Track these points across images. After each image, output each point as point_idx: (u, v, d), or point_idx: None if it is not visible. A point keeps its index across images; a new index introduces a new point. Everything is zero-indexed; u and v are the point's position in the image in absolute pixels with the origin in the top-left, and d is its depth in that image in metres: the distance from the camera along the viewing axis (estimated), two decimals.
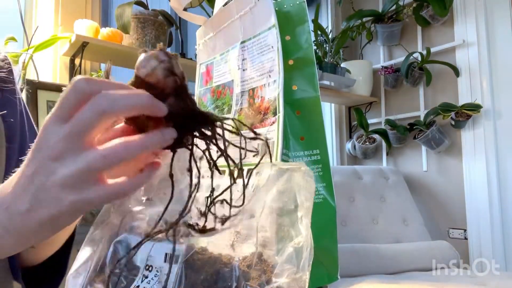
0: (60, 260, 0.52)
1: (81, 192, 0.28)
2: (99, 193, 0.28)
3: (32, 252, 0.52)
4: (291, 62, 0.48)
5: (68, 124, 0.28)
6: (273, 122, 0.47)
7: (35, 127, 0.65)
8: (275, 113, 0.46)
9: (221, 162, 0.54)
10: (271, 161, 0.38)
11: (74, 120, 0.28)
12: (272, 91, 0.46)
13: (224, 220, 0.35)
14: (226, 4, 0.52)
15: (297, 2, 0.47)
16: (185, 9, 0.59)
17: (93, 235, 0.38)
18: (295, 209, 0.37)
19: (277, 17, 0.46)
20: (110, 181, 0.29)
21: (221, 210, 0.36)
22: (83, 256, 0.37)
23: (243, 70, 0.50)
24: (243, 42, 0.51)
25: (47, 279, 0.54)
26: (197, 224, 0.34)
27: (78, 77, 0.29)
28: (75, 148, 0.28)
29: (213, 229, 0.34)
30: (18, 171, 0.31)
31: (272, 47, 0.46)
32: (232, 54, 0.52)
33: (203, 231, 0.34)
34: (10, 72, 0.60)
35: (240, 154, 0.32)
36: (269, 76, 0.47)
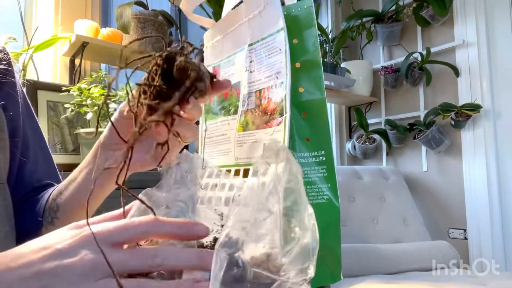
0: None
1: None
2: None
3: (51, 230, 0.52)
4: (298, 64, 0.48)
5: (120, 254, 0.28)
6: (280, 123, 0.47)
7: (37, 119, 0.64)
8: (281, 114, 0.46)
9: (226, 162, 0.54)
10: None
11: (127, 257, 0.28)
12: (279, 93, 0.46)
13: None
14: (235, 7, 0.52)
15: (305, 7, 0.47)
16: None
17: None
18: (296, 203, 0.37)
19: (285, 21, 0.46)
20: None
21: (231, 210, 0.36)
22: None
23: (251, 72, 0.50)
24: (251, 44, 0.51)
25: None
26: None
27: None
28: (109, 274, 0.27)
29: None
30: (33, 246, 0.29)
31: (280, 49, 0.46)
32: (240, 56, 0.52)
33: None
34: (9, 64, 0.59)
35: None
36: (277, 78, 0.47)
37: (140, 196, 0.33)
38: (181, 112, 0.35)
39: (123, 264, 0.28)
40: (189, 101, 0.33)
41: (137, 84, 0.32)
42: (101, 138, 0.46)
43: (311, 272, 0.32)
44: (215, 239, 0.33)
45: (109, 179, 0.48)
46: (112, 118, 0.43)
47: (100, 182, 0.48)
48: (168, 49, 0.32)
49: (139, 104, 0.31)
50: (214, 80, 0.35)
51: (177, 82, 0.31)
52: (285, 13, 0.47)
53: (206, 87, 0.33)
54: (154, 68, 0.31)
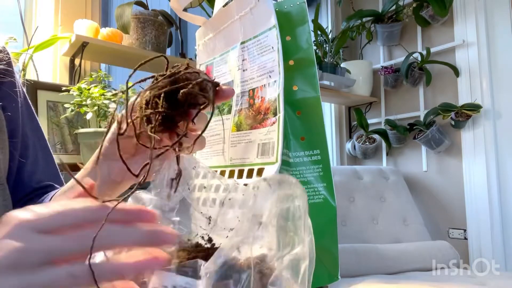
0: None
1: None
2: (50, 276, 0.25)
3: None
4: (291, 62, 0.48)
5: (49, 239, 0.26)
6: (274, 122, 0.47)
7: (38, 120, 0.64)
8: (275, 114, 0.46)
9: (220, 162, 0.54)
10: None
11: (59, 241, 0.26)
12: (273, 92, 0.46)
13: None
14: (226, 4, 0.52)
15: (297, 3, 0.47)
16: (185, 9, 0.59)
17: None
18: (299, 216, 0.37)
19: (277, 18, 0.46)
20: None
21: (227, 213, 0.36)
22: None
23: (243, 70, 0.50)
24: (243, 42, 0.51)
25: None
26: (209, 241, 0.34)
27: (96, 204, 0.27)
28: (40, 263, 0.25)
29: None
30: None
31: (272, 47, 0.46)
32: (232, 54, 0.52)
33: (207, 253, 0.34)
34: (9, 64, 0.58)
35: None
36: (269, 76, 0.47)
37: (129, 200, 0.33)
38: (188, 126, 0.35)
39: (57, 248, 0.26)
40: (194, 113, 0.33)
41: (140, 107, 0.32)
42: (102, 149, 0.46)
43: None
44: (198, 244, 0.33)
45: (112, 190, 0.47)
46: (113, 130, 0.42)
47: (102, 192, 0.47)
48: (171, 71, 0.31)
49: (141, 122, 0.31)
50: (218, 88, 0.35)
51: (181, 101, 0.31)
52: (277, 9, 0.47)
53: (210, 98, 0.32)
54: (157, 92, 0.31)
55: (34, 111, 0.63)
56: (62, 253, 0.26)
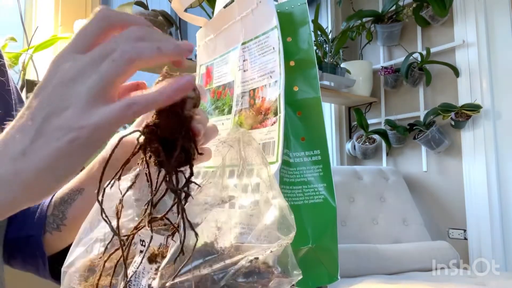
0: None
1: (101, 110, 0.23)
2: (121, 106, 0.23)
3: (57, 237, 0.51)
4: (292, 63, 0.48)
5: (90, 53, 0.25)
6: (274, 122, 0.47)
7: None
8: (276, 114, 0.46)
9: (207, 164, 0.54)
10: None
11: (98, 49, 0.25)
12: (273, 92, 0.46)
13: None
14: (226, 6, 0.52)
15: (298, 4, 0.47)
16: (185, 10, 0.59)
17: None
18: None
19: (278, 19, 0.46)
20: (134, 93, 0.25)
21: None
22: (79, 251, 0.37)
23: (244, 71, 0.50)
24: (244, 43, 0.51)
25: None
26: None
27: (102, 6, 0.26)
28: (95, 68, 0.24)
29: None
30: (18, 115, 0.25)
31: (273, 48, 0.46)
32: (233, 55, 0.52)
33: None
34: (3, 64, 0.56)
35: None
36: (270, 77, 0.47)
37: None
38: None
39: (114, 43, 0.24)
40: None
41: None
42: (104, 154, 0.46)
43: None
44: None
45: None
46: (116, 138, 0.40)
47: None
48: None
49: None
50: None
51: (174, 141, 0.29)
52: (278, 10, 0.47)
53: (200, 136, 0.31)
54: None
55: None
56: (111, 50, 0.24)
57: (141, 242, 0.33)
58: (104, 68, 0.24)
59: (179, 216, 0.29)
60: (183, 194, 0.29)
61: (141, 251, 0.33)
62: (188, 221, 0.29)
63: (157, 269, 0.31)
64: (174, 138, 0.28)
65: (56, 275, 0.52)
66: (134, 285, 0.31)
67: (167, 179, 0.28)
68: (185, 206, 0.29)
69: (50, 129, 0.24)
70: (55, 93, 0.24)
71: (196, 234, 0.29)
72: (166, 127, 0.27)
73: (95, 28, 0.26)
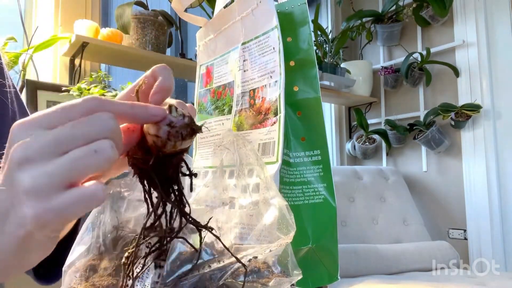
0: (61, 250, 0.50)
1: (45, 201, 0.22)
2: (67, 199, 0.23)
3: None
4: (292, 63, 0.48)
5: (54, 131, 0.24)
6: (274, 122, 0.47)
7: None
8: (276, 114, 0.46)
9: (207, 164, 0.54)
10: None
11: (64, 129, 0.24)
12: (273, 92, 0.46)
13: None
14: (226, 5, 0.52)
15: (298, 4, 0.47)
16: (185, 10, 0.59)
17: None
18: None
19: (278, 19, 0.46)
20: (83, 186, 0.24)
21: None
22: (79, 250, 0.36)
23: (244, 71, 0.50)
24: (244, 43, 0.51)
25: (51, 270, 0.52)
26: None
27: (90, 96, 0.26)
28: (52, 154, 0.23)
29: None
30: None
31: (273, 48, 0.46)
32: (233, 55, 0.52)
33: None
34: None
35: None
36: (270, 77, 0.47)
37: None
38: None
39: (67, 135, 0.24)
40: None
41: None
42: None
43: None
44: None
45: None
46: None
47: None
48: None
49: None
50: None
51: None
52: (278, 10, 0.47)
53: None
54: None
55: (27, 110, 0.62)
56: (74, 138, 0.24)
57: (147, 244, 0.33)
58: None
59: (179, 220, 0.29)
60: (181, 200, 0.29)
61: (146, 252, 0.33)
62: (196, 223, 0.29)
63: (160, 269, 0.31)
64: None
65: (40, 276, 0.52)
66: (137, 285, 0.31)
67: (162, 199, 0.28)
68: (185, 209, 0.29)
69: (10, 216, 0.24)
70: (9, 176, 0.24)
71: (201, 237, 0.29)
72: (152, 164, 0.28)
73: (75, 112, 0.25)
